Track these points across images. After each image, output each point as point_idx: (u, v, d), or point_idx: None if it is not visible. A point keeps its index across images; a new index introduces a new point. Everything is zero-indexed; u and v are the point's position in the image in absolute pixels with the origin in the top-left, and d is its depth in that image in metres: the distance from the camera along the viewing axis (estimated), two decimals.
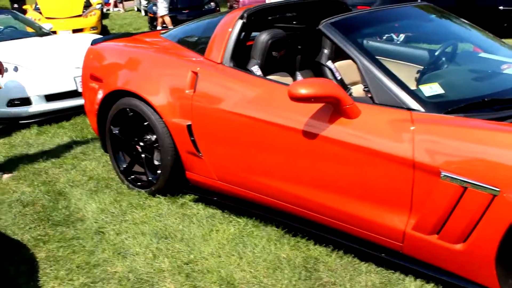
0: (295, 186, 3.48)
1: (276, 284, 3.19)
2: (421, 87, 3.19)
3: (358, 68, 3.31)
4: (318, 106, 3.29)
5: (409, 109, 3.07)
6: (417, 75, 3.91)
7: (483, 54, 4.04)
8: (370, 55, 3.32)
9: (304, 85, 3.12)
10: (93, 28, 14.51)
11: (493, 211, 2.71)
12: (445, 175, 2.83)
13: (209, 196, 4.08)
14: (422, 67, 4.06)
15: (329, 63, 4.50)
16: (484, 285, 2.88)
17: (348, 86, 4.46)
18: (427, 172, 2.89)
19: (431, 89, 3.16)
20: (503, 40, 4.28)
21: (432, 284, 3.12)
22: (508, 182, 2.66)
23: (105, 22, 18.52)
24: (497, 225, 2.70)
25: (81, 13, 14.95)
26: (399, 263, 3.19)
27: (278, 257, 3.44)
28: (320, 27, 3.52)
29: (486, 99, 3.11)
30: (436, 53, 4.06)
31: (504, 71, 3.70)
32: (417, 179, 2.95)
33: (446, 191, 2.84)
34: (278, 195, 3.61)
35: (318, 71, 4.55)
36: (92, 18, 14.94)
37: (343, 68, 4.49)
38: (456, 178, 2.80)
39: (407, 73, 4.00)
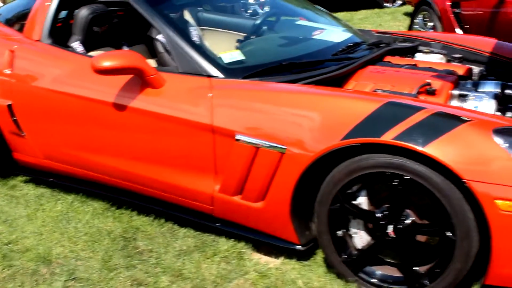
0: (114, 159, 3.51)
1: (93, 256, 3.22)
2: (222, 54, 3.29)
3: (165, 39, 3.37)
4: (127, 78, 3.32)
5: (209, 76, 3.16)
6: (237, 44, 4.02)
7: (300, 22, 4.20)
8: (174, 25, 3.38)
9: (106, 58, 3.15)
10: None
11: (283, 168, 2.86)
12: (239, 138, 2.94)
13: (40, 176, 4.04)
14: (245, 35, 4.17)
15: (159, 36, 4.52)
16: (286, 239, 3.04)
17: None
18: (225, 135, 3.00)
19: (231, 56, 3.27)
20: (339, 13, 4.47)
21: (243, 243, 3.25)
22: (293, 140, 2.81)
23: None
24: (287, 181, 2.86)
25: None
26: (212, 226, 3.30)
27: (100, 230, 3.47)
28: None
29: (284, 63, 3.25)
30: (257, 22, 4.19)
31: (314, 37, 3.87)
32: (218, 144, 3.05)
33: (242, 153, 2.96)
34: (100, 169, 3.63)
35: (151, 45, 4.57)
36: None
37: None
38: (248, 140, 2.92)
39: (231, 42, 4.11)
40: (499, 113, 3.08)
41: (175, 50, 3.27)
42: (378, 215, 2.74)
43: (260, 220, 3.08)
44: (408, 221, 2.69)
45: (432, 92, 3.12)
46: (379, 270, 2.85)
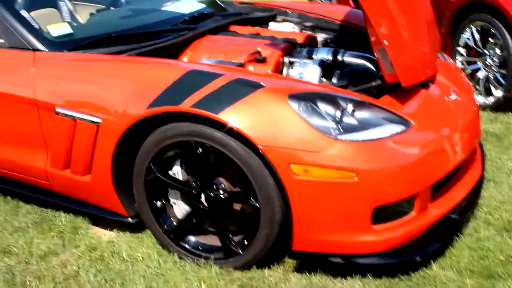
0: None
1: None
2: (49, 27, 3.23)
3: None
4: None
5: (35, 50, 3.10)
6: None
7: None
8: None
9: None
10: None
11: (100, 140, 2.84)
12: (58, 111, 2.91)
13: None
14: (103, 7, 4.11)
15: None
16: (115, 211, 3.03)
17: None
18: (47, 109, 2.97)
19: (59, 29, 3.21)
20: None
21: (82, 217, 3.24)
22: (106, 111, 2.79)
23: None
24: (105, 153, 2.84)
25: None
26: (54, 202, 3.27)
27: None
28: None
29: (113, 35, 3.21)
30: None
31: (164, 8, 3.84)
32: (42, 118, 3.02)
33: (63, 126, 2.94)
34: None
35: None
36: None
37: None
38: (66, 113, 2.89)
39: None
40: (324, 79, 3.10)
41: (1, 24, 3.20)
42: (191, 184, 2.75)
43: (90, 194, 3.07)
44: (218, 190, 2.70)
45: (261, 60, 3.13)
46: (201, 240, 2.86)
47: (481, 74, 4.70)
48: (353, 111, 2.63)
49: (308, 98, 2.57)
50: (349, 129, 2.54)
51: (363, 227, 2.54)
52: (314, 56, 3.23)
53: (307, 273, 2.70)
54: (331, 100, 2.62)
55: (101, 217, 3.16)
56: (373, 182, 2.49)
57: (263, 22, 3.94)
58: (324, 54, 3.22)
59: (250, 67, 3.13)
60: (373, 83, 2.91)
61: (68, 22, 3.68)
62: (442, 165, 2.75)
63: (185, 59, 3.29)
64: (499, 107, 4.54)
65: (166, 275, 2.71)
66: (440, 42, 3.56)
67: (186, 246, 2.85)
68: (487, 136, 4.11)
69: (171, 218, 2.88)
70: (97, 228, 3.20)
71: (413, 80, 2.87)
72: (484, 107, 4.60)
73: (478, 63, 4.71)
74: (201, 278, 2.65)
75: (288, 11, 4.04)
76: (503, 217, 3.09)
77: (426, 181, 2.65)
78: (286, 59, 3.18)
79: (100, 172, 2.92)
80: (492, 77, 4.59)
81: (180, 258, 2.84)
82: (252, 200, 2.59)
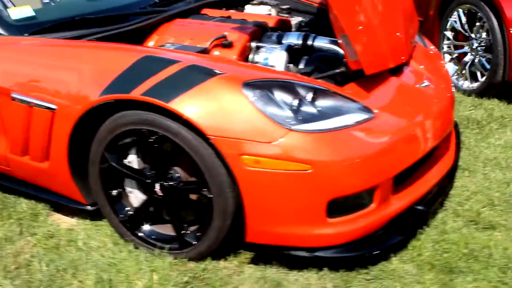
0: None
1: None
2: (10, 10, 3.14)
3: None
4: None
5: None
6: None
7: None
8: None
9: None
10: None
11: (55, 127, 2.77)
12: (14, 96, 2.85)
13: None
14: None
15: None
16: (74, 199, 2.97)
17: None
18: (4, 95, 2.91)
19: (21, 12, 3.13)
20: None
21: (44, 204, 3.19)
22: (62, 97, 2.72)
23: None
24: (61, 140, 2.77)
25: None
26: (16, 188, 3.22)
27: None
28: None
29: (76, 19, 3.14)
30: None
31: None
32: (1, 103, 2.95)
33: (19, 112, 2.87)
34: None
35: None
36: None
37: None
38: (22, 98, 2.83)
39: None
40: (291, 65, 3.02)
41: None
42: (145, 173, 2.68)
43: (49, 181, 3.02)
44: (172, 179, 2.63)
45: (228, 45, 3.04)
46: (157, 229, 2.80)
47: (467, 59, 4.57)
48: (313, 99, 2.54)
49: (264, 86, 2.49)
50: (307, 118, 2.46)
51: (317, 220, 2.48)
52: (283, 41, 3.13)
53: (263, 266, 2.64)
54: (289, 88, 2.53)
55: (63, 205, 3.09)
56: (328, 174, 2.41)
57: (239, 4, 3.84)
58: (293, 39, 3.13)
59: (216, 52, 3.04)
60: (337, 70, 2.82)
61: (45, 3, 3.60)
62: (404, 155, 2.67)
63: (151, 44, 3.20)
64: (484, 92, 4.41)
65: (119, 264, 2.65)
66: (417, 27, 3.45)
67: (142, 235, 2.79)
68: (468, 123, 4.00)
69: (127, 207, 2.81)
70: (58, 215, 3.14)
71: (378, 67, 2.78)
72: (469, 93, 4.48)
73: (466, 47, 4.58)
74: (154, 269, 2.60)
75: None
76: (473, 208, 3.00)
77: (387, 172, 2.57)
78: (253, 44, 3.09)
79: (57, 159, 2.86)
80: (477, 62, 4.46)
81: (135, 247, 2.77)
82: (205, 190, 2.51)
